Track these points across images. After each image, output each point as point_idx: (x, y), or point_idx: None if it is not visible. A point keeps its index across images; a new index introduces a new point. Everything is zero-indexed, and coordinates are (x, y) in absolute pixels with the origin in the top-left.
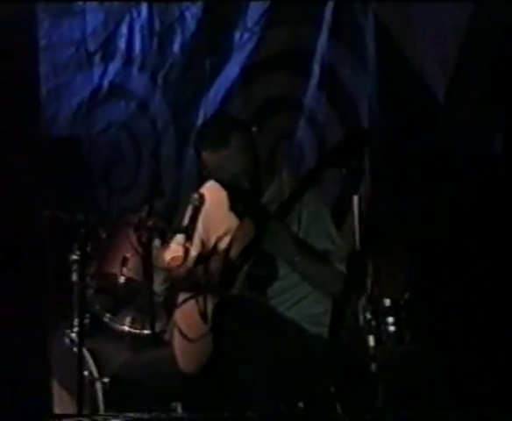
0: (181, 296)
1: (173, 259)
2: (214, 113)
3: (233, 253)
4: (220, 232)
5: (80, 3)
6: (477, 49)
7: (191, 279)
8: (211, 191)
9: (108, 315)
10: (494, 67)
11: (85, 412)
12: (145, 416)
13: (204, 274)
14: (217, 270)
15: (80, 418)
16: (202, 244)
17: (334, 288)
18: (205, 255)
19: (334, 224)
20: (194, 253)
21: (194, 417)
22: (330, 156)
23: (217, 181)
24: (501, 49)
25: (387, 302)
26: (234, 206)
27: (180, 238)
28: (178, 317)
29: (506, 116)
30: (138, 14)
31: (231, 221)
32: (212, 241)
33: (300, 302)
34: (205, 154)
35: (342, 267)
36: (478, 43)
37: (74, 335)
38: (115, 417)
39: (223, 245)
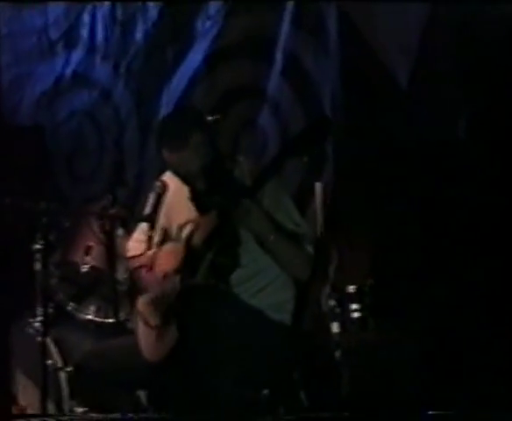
0: (144, 284)
1: (136, 247)
2: (175, 108)
3: (196, 240)
4: (182, 220)
5: None
6: (440, 34)
7: (154, 267)
8: (174, 179)
9: (71, 304)
10: (458, 51)
11: (49, 402)
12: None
13: (167, 262)
14: (180, 258)
15: (44, 419)
16: (165, 231)
17: (304, 271)
18: (167, 243)
19: (297, 210)
20: (156, 240)
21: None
22: (293, 144)
23: (177, 176)
24: (464, 33)
25: (351, 288)
26: (195, 200)
27: (143, 226)
28: (140, 306)
29: (470, 101)
30: (101, 3)
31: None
32: (174, 229)
33: (263, 289)
34: (165, 152)
35: (311, 250)
36: (440, 27)
37: (37, 324)
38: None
39: (185, 232)
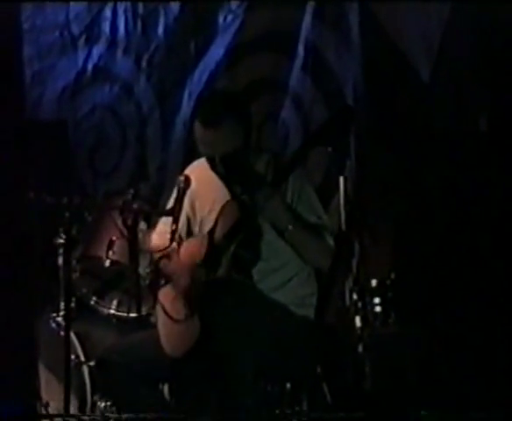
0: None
1: (159, 240)
2: (216, 90)
3: (219, 233)
4: (206, 211)
5: None
6: (461, 27)
7: (177, 261)
8: (198, 171)
9: (94, 298)
10: (479, 45)
11: (72, 396)
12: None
13: (190, 256)
14: (203, 251)
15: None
16: (188, 222)
17: (324, 261)
18: (191, 237)
19: (319, 202)
20: (181, 233)
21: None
22: (317, 135)
23: (207, 158)
24: (485, 27)
25: (374, 282)
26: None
27: (166, 220)
28: (163, 299)
29: (491, 94)
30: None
31: (217, 200)
32: (198, 220)
33: (286, 284)
34: (198, 128)
35: (332, 242)
36: (462, 21)
37: (60, 319)
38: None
39: (208, 225)
